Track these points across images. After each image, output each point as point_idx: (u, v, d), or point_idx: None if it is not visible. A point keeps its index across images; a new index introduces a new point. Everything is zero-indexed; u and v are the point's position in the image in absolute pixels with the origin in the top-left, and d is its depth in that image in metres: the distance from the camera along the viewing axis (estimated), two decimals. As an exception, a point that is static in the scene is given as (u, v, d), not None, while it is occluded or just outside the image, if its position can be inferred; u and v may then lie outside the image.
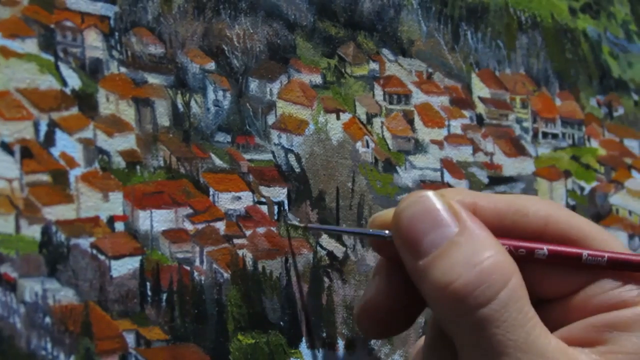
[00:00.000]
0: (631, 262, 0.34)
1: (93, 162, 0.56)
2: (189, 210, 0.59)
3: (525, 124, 0.88)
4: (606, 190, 0.95)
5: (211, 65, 0.63)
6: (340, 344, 0.66)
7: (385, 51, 0.75)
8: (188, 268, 0.58)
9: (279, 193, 0.64)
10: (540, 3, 0.93)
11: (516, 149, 0.86)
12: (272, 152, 0.65)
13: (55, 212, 0.53)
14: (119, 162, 0.57)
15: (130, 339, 0.55)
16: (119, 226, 0.56)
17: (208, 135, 0.62)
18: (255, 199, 0.63)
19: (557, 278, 0.32)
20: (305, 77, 0.68)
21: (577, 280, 0.32)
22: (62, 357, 0.52)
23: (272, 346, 0.61)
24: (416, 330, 0.72)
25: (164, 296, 0.57)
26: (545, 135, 0.89)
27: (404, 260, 0.31)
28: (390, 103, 0.75)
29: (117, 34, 0.59)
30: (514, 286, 0.29)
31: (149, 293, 0.57)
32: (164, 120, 0.60)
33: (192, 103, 0.61)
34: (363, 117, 0.72)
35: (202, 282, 0.59)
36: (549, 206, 0.34)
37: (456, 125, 0.80)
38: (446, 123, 0.79)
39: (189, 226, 0.59)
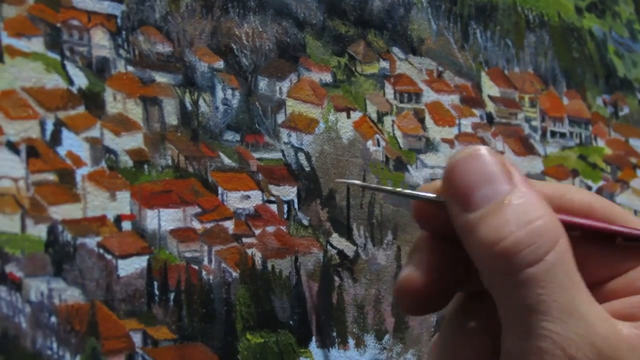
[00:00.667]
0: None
1: (100, 161, 0.56)
2: (198, 209, 0.59)
3: (534, 123, 0.87)
4: (612, 190, 0.96)
5: (220, 63, 0.63)
6: (351, 342, 0.65)
7: (395, 49, 0.75)
8: (196, 267, 0.58)
9: (289, 192, 0.64)
10: (548, 1, 0.93)
11: (525, 147, 0.85)
12: (282, 151, 0.64)
13: (62, 212, 0.53)
14: (127, 161, 0.57)
15: (137, 338, 0.55)
16: (127, 225, 0.56)
17: (217, 134, 0.61)
18: (265, 198, 0.63)
19: (601, 259, 0.32)
20: (315, 75, 0.68)
21: (620, 264, 0.32)
22: (68, 357, 0.52)
23: (281, 345, 0.61)
24: (428, 329, 0.72)
25: (172, 295, 0.57)
26: (553, 134, 0.89)
27: (451, 215, 0.30)
28: (401, 101, 0.74)
29: (124, 32, 0.59)
30: (562, 249, 0.29)
31: (157, 292, 0.56)
32: (172, 119, 0.59)
33: (201, 102, 0.61)
34: (374, 116, 0.71)
35: (211, 281, 0.58)
36: (592, 195, 0.34)
37: (467, 124, 0.79)
38: (457, 122, 0.78)
39: (197, 225, 0.59)
